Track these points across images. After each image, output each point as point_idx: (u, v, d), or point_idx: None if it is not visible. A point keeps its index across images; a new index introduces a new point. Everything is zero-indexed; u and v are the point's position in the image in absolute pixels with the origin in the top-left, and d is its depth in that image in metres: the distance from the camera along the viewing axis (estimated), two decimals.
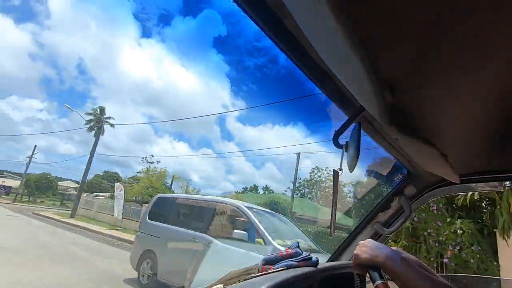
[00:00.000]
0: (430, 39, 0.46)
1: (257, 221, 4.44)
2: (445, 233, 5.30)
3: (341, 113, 0.77)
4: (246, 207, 4.96)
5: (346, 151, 0.70)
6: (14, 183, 36.89)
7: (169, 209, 6.11)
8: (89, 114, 26.08)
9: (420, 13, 0.42)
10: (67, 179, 43.14)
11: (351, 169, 0.68)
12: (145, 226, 5.86)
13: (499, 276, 4.95)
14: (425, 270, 0.74)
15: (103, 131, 25.15)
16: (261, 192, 35.40)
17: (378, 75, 0.52)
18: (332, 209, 0.84)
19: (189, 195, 7.10)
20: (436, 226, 5.44)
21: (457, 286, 4.18)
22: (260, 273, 0.82)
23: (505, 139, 0.79)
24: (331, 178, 0.86)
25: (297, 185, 23.67)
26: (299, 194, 23.14)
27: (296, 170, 19.46)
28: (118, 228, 14.83)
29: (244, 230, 4.44)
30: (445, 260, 5.16)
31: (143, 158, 25.56)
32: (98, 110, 26.51)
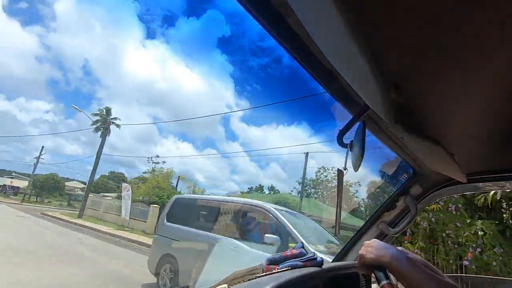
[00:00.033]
0: (435, 37, 0.46)
1: (289, 224, 4.09)
2: (464, 235, 5.12)
3: (345, 112, 0.76)
4: (275, 208, 4.61)
5: (350, 150, 0.70)
6: (22, 183, 37.46)
7: (188, 211, 5.81)
8: (96, 114, 26.37)
9: (424, 11, 0.41)
10: (73, 180, 43.66)
11: (356, 168, 0.68)
12: (163, 229, 5.57)
13: None
14: (431, 270, 0.73)
15: (109, 132, 25.39)
16: (267, 192, 35.38)
17: (383, 73, 0.52)
18: (336, 208, 0.83)
19: (209, 196, 6.85)
20: (455, 227, 5.27)
21: None
22: (264, 273, 0.82)
23: None
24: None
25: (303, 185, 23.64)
26: (305, 194, 23.09)
27: (304, 169, 19.46)
28: (125, 229, 14.93)
29: (275, 234, 4.15)
30: (466, 263, 4.99)
31: (148, 158, 25.81)
32: (104, 110, 26.79)
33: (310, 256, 0.89)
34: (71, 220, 15.95)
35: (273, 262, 0.89)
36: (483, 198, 5.18)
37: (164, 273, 5.12)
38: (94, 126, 25.53)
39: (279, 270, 0.82)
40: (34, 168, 32.59)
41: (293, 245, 3.73)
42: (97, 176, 26.52)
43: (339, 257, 1.38)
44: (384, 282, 0.69)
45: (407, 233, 5.70)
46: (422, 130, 0.74)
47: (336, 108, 0.82)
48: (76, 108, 24.55)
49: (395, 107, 0.61)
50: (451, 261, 5.21)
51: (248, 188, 38.56)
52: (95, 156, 22.89)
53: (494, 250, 4.87)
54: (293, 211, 5.39)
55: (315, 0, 0.38)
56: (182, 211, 5.83)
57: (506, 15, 0.39)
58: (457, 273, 4.95)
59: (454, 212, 5.36)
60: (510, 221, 5.30)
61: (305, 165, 19.30)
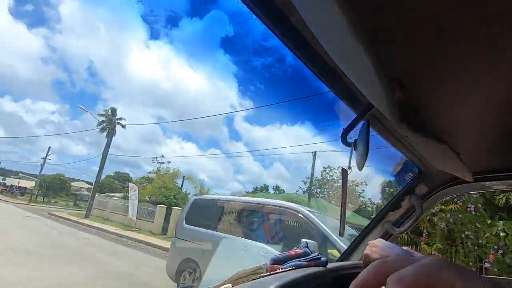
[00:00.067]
0: (441, 35, 0.45)
1: (327, 229, 3.77)
2: (485, 236, 4.98)
3: (349, 111, 0.76)
4: (308, 210, 4.27)
5: (355, 150, 0.69)
6: (28, 184, 37.94)
7: (209, 212, 5.48)
8: (101, 115, 26.61)
9: (430, 8, 0.41)
10: (79, 180, 44.11)
11: (360, 167, 0.67)
12: (182, 232, 5.23)
13: None
14: None
15: (115, 132, 25.58)
16: (272, 192, 35.33)
17: (388, 72, 0.51)
18: (341, 208, 0.83)
19: (231, 197, 6.30)
20: (474, 228, 5.13)
21: None
22: (268, 273, 0.82)
23: None
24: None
25: (308, 184, 23.57)
26: (308, 193, 23.01)
27: (312, 169, 19.39)
28: (132, 229, 15.00)
29: (311, 239, 3.75)
30: (487, 265, 4.87)
31: (153, 158, 25.92)
32: (110, 111, 26.99)
33: (314, 256, 0.89)
34: (78, 220, 16.09)
35: (277, 261, 0.89)
36: (504, 198, 5.02)
37: (185, 279, 4.85)
38: (100, 126, 25.75)
39: (283, 270, 0.82)
40: (41, 169, 32.99)
41: (332, 251, 3.57)
42: (102, 177, 26.73)
43: (344, 257, 1.38)
44: None
45: (424, 234, 5.60)
46: (427, 128, 0.73)
47: (340, 107, 0.82)
48: (82, 109, 24.79)
49: (400, 105, 0.61)
50: (470, 263, 5.10)
51: (253, 188, 38.54)
52: (101, 157, 23.10)
53: None
54: (322, 213, 4.97)
55: None
56: (202, 212, 5.51)
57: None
58: None
59: (473, 213, 5.20)
60: None
61: (313, 164, 19.23)
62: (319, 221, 3.90)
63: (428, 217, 5.46)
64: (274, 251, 3.96)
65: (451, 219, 5.23)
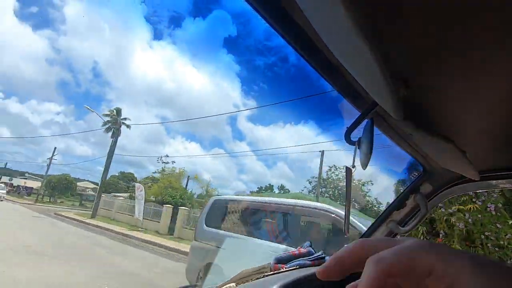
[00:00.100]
0: (446, 30, 0.45)
1: (365, 229, 3.35)
2: (506, 237, 4.80)
3: (353, 110, 0.75)
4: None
5: (358, 148, 0.69)
6: (35, 184, 38.39)
7: (231, 214, 5.14)
8: (106, 115, 26.81)
9: (432, 7, 0.40)
10: (84, 180, 44.50)
11: (364, 166, 0.67)
12: (202, 235, 4.90)
13: None
14: None
15: (120, 132, 25.76)
16: (276, 191, 35.28)
17: (392, 69, 0.51)
18: (346, 207, 0.82)
19: (254, 197, 5.79)
20: (495, 229, 4.93)
21: None
22: (272, 272, 0.81)
23: None
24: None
25: (313, 184, 23.54)
26: (316, 193, 22.96)
27: (320, 168, 19.33)
28: (139, 229, 15.05)
29: (348, 241, 3.54)
30: None
31: (158, 158, 26.08)
32: (115, 111, 27.17)
33: (318, 255, 0.89)
34: (85, 221, 16.23)
35: (280, 261, 0.88)
36: None
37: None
38: (105, 126, 25.96)
39: (286, 269, 0.82)
40: (48, 169, 33.37)
41: None
42: (107, 176, 26.93)
43: None
44: None
45: (440, 235, 5.51)
46: (432, 126, 0.73)
47: (343, 106, 0.81)
48: (88, 109, 25.05)
49: (404, 103, 0.60)
50: None
51: (258, 188, 38.56)
52: (106, 157, 23.29)
53: None
54: (354, 213, 4.68)
55: None
56: (223, 214, 5.15)
57: None
58: None
59: (493, 213, 5.00)
60: None
61: (321, 163, 19.15)
62: (357, 222, 3.64)
63: (445, 217, 5.31)
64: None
65: (470, 220, 5.03)
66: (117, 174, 44.24)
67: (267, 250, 4.01)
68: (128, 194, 24.69)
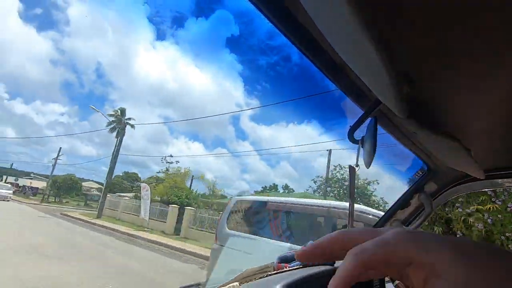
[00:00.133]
0: (451, 28, 0.44)
1: None
2: None
3: (356, 108, 0.75)
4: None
5: (362, 147, 0.69)
6: (40, 184, 38.78)
7: (254, 216, 4.85)
8: (111, 115, 26.98)
9: (436, 3, 0.40)
10: (89, 180, 44.84)
11: (368, 165, 0.66)
12: (223, 238, 4.60)
13: None
14: None
15: (125, 132, 25.92)
16: (281, 191, 35.23)
17: (395, 67, 0.51)
18: (349, 205, 0.82)
19: (281, 198, 5.37)
20: None
21: None
22: (275, 271, 0.81)
23: None
24: (356, 175, 0.84)
25: (318, 183, 23.49)
26: (321, 192, 22.89)
27: (328, 167, 19.25)
28: (145, 229, 15.05)
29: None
30: None
31: (162, 158, 26.21)
32: (119, 111, 27.36)
33: None
34: (90, 221, 16.29)
35: (284, 260, 0.88)
36: None
37: None
38: (110, 126, 26.14)
39: (290, 268, 0.82)
40: (53, 169, 33.69)
41: None
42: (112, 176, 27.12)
43: None
44: (398, 280, 0.67)
45: (457, 235, 5.41)
46: (436, 125, 0.72)
47: (346, 104, 0.81)
48: (93, 109, 25.22)
49: (408, 101, 0.60)
50: None
51: (262, 188, 38.55)
52: (111, 157, 23.41)
53: None
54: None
55: None
56: (246, 215, 4.87)
57: None
58: None
59: None
60: None
61: (328, 162, 19.07)
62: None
63: (462, 218, 5.17)
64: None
65: (489, 220, 4.87)
66: (121, 174, 44.55)
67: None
68: (133, 194, 24.80)
